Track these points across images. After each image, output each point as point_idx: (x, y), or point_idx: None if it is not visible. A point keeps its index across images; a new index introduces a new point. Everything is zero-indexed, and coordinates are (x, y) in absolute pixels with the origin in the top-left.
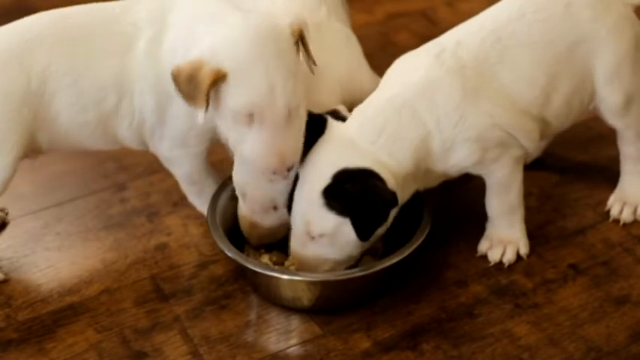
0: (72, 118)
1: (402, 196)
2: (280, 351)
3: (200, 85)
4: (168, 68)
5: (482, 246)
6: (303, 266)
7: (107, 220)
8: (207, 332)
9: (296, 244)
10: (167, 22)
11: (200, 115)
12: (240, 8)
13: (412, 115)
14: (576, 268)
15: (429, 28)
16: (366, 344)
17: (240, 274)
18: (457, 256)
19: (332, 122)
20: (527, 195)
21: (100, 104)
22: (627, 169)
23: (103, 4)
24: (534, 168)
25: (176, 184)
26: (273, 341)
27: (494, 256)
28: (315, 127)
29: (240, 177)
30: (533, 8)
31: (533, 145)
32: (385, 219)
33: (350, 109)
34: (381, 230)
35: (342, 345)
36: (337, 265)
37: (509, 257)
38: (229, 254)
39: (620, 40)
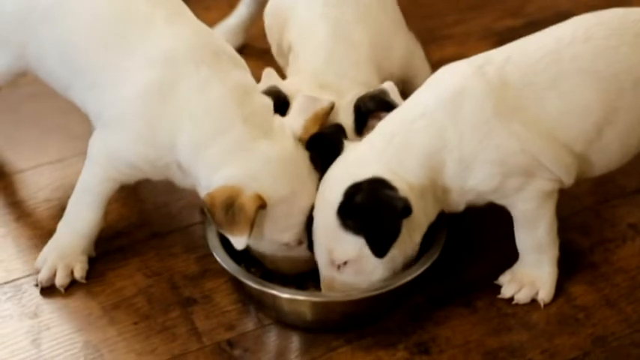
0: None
1: (425, 212)
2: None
3: (243, 213)
4: None
5: (504, 277)
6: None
7: None
8: None
9: (324, 277)
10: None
11: (242, 242)
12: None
13: (431, 123)
14: (636, 228)
15: None
16: (419, 299)
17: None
18: None
19: (347, 143)
20: None
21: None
22: None
23: None
24: None
25: None
26: None
27: (506, 292)
28: (331, 149)
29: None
30: (602, 33)
31: (570, 180)
32: (399, 229)
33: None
34: (405, 249)
35: None
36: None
37: (520, 297)
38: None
39: None
